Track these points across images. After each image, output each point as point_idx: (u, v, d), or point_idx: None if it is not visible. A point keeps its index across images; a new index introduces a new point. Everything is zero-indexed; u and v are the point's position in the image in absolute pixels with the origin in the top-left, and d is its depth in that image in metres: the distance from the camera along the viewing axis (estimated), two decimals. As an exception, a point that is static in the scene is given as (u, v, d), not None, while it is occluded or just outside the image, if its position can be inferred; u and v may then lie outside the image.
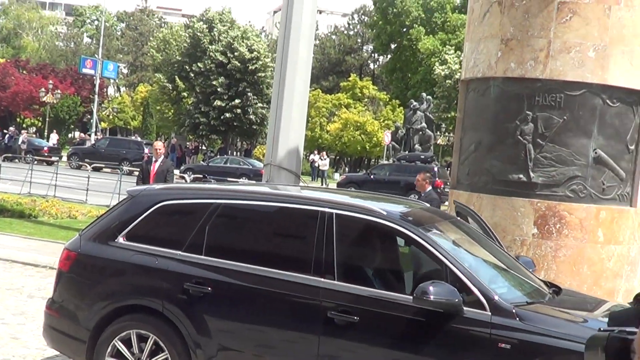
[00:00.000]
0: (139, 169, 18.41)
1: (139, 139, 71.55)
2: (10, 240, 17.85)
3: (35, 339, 10.08)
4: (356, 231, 7.93)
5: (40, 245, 17.57)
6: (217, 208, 8.03)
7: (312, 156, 66.21)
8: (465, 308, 6.84)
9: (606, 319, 7.02)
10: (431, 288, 6.74)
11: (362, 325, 7.13)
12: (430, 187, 15.22)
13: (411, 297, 6.88)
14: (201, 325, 7.63)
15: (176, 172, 31.51)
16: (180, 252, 7.88)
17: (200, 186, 9.23)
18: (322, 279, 7.33)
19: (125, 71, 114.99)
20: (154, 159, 17.23)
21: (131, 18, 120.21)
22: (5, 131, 66.91)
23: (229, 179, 38.85)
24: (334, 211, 7.59)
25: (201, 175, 42.12)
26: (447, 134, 75.52)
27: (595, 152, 10.79)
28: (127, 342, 7.90)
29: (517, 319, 6.79)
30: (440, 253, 7.22)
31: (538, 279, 8.47)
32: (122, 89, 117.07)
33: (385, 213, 7.59)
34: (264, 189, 9.29)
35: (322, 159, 63.14)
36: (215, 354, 7.58)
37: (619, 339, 2.12)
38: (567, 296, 8.17)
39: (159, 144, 18.01)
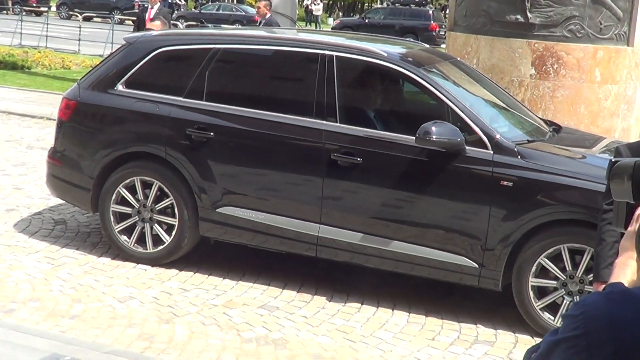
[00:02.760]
0: (131, 18, 18.18)
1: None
2: (5, 92, 17.76)
3: (38, 189, 10.17)
4: (357, 73, 7.93)
5: (36, 96, 17.51)
6: (217, 53, 7.97)
7: (305, 1, 65.39)
8: (467, 147, 6.91)
9: (604, 155, 7.15)
10: (433, 128, 6.79)
11: (365, 167, 7.21)
12: (269, 14, 16.69)
13: (413, 138, 6.93)
14: (205, 170, 7.69)
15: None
16: (181, 98, 7.88)
17: (198, 31, 9.20)
18: (325, 122, 7.37)
19: None
20: (149, 7, 17.00)
21: None
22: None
23: (222, 25, 38.47)
24: (334, 53, 7.55)
25: (194, 23, 41.61)
26: (440, -24, 74.37)
27: (593, -9, 10.67)
28: (132, 189, 7.98)
29: (519, 156, 6.87)
30: (442, 93, 7.24)
31: (538, 117, 8.52)
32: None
33: (385, 54, 7.56)
34: (263, 33, 9.23)
35: (315, 4, 62.32)
36: (220, 198, 7.67)
37: None
38: (566, 134, 8.23)
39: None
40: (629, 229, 2.30)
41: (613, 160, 2.25)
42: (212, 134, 7.67)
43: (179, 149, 7.79)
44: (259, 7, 16.78)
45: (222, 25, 34.01)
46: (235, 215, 7.63)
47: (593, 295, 1.96)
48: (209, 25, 33.22)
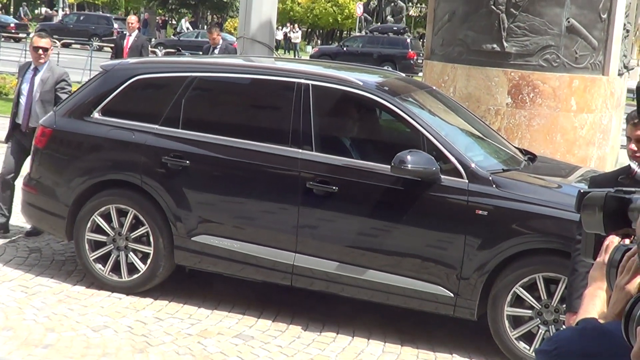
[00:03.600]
0: (109, 45, 18.17)
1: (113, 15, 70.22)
2: (-18, 118, 17.67)
3: (14, 216, 10.08)
4: (333, 102, 7.95)
5: (13, 123, 17.37)
6: (193, 81, 7.98)
7: (284, 29, 65.58)
8: (442, 176, 6.93)
9: (580, 184, 7.18)
10: (409, 157, 6.80)
11: (340, 195, 7.21)
12: (221, 40, 16.48)
13: (389, 167, 6.94)
14: (180, 198, 7.67)
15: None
16: (157, 126, 7.87)
17: (175, 59, 9.18)
18: (300, 150, 7.37)
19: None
20: (127, 34, 16.99)
21: None
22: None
23: (200, 52, 38.47)
24: (310, 82, 7.57)
25: (173, 50, 41.61)
26: (419, 5, 74.81)
27: (568, 21, 10.74)
28: (107, 217, 7.94)
29: (494, 186, 6.89)
30: (417, 122, 7.27)
31: (513, 146, 8.56)
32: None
33: (361, 83, 7.58)
34: (240, 61, 9.23)
35: (293, 32, 62.55)
36: (196, 227, 7.64)
37: (616, 198, 2.13)
38: (541, 163, 8.27)
39: (133, 18, 17.79)
40: (598, 259, 2.31)
41: (582, 191, 2.26)
42: (188, 162, 7.66)
43: (154, 177, 7.77)
44: (214, 38, 16.38)
45: (201, 53, 34.01)
46: (210, 244, 7.61)
47: (567, 331, 1.97)
48: (186, 52, 33.16)
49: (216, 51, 15.76)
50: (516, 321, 6.89)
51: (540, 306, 6.76)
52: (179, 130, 7.81)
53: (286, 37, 63.16)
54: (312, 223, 7.37)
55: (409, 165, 6.79)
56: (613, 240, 2.25)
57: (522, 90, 10.78)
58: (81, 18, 59.17)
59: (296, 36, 61.98)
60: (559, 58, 10.80)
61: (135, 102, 8.26)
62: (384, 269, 7.13)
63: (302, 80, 7.59)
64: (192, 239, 7.66)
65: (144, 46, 16.91)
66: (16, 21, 61.17)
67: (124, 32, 17.55)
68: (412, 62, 42.08)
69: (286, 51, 60.35)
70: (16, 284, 8.02)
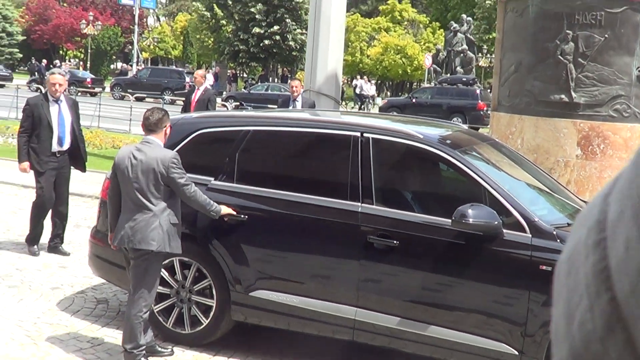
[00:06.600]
0: (181, 98, 18.35)
1: (183, 69, 71.21)
2: (55, 171, 17.94)
3: (83, 268, 10.22)
4: (394, 155, 7.91)
5: (85, 175, 17.62)
6: (247, 135, 8.01)
7: (355, 81, 65.70)
8: (505, 230, 6.82)
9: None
10: (470, 211, 6.71)
11: (402, 249, 7.14)
12: (302, 90, 16.08)
13: (450, 221, 6.86)
14: (239, 253, 7.67)
15: (218, 100, 31.24)
16: (212, 180, 7.91)
17: (234, 113, 9.23)
18: (361, 204, 7.33)
19: (164, 0, 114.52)
20: (196, 88, 17.18)
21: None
22: (51, 64, 66.59)
23: (269, 105, 38.78)
24: (371, 135, 7.55)
25: (237, 104, 41.97)
26: (488, 55, 74.70)
27: (639, 70, 10.62)
28: (171, 270, 7.98)
29: (558, 240, 6.76)
30: (479, 176, 7.18)
31: (580, 200, 8.42)
32: (162, 18, 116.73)
33: (422, 136, 7.53)
34: (299, 115, 9.25)
35: (366, 83, 62.34)
36: (254, 282, 7.63)
37: None
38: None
39: (199, 73, 17.99)
40: None
41: None
42: (245, 216, 7.66)
43: (213, 231, 7.79)
44: (295, 87, 15.79)
45: (269, 106, 34.25)
46: (270, 300, 7.58)
47: None
48: (248, 106, 33.36)
49: (297, 103, 15.43)
50: (582, 379, 6.71)
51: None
52: (235, 185, 7.83)
53: (359, 90, 62.93)
54: (374, 277, 7.30)
55: (471, 219, 6.70)
56: None
57: (592, 142, 10.65)
58: (154, 72, 60.24)
59: (369, 88, 61.74)
60: (629, 108, 10.66)
61: (197, 155, 8.29)
62: (447, 324, 7.02)
63: (362, 134, 7.57)
64: (250, 294, 7.64)
65: (211, 100, 17.04)
66: (92, 76, 62.37)
67: (194, 86, 17.74)
68: (482, 113, 41.77)
69: (356, 103, 60.30)
70: (82, 334, 8.08)
